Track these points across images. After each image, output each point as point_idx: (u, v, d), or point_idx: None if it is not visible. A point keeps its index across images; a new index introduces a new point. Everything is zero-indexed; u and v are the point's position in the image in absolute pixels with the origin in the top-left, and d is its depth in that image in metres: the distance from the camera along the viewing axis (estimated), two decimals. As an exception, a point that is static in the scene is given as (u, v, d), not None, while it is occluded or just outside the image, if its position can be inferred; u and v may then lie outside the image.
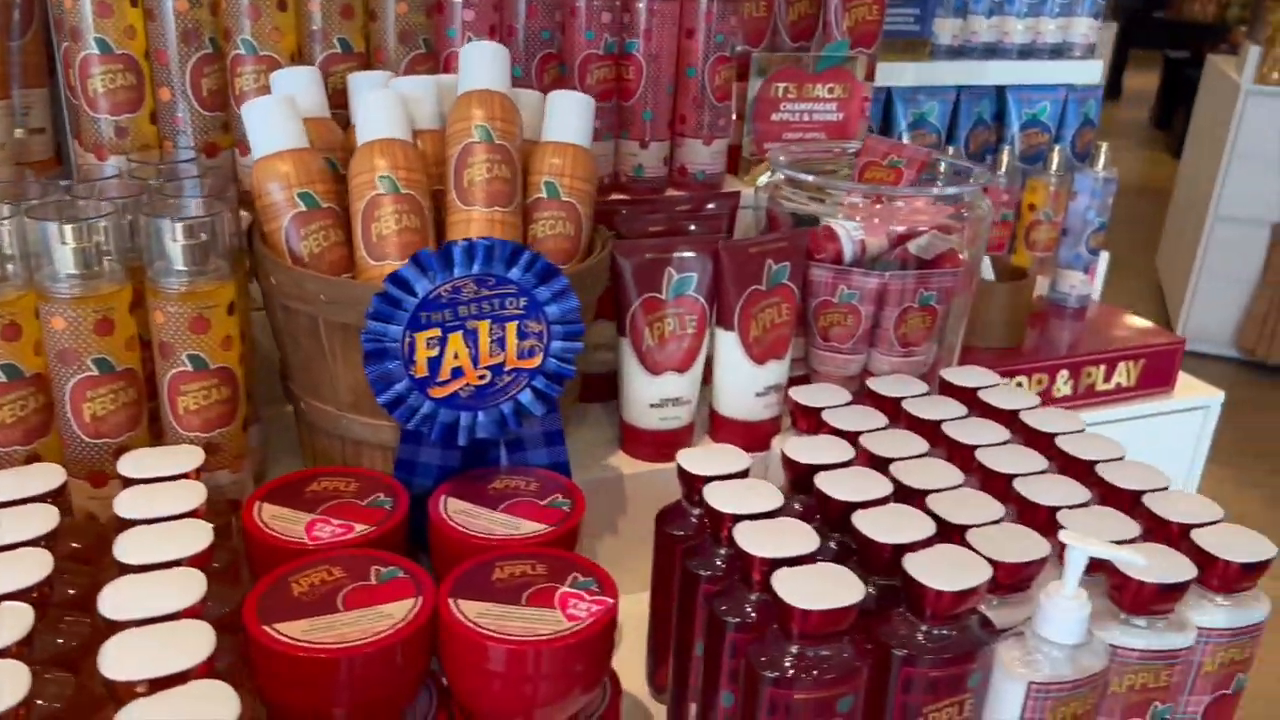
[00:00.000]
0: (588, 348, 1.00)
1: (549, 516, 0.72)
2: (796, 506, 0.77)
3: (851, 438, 0.83)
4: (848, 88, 1.12)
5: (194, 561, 0.60)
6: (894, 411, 0.89)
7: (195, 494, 0.66)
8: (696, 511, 0.74)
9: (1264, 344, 3.48)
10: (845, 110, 1.13)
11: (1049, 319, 1.49)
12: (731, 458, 0.76)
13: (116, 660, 0.51)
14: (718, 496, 0.70)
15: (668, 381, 0.90)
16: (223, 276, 0.72)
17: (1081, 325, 1.49)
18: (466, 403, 0.72)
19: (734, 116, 1.12)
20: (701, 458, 0.76)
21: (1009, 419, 0.88)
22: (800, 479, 0.77)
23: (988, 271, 1.32)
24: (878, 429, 0.84)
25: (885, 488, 0.73)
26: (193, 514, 0.64)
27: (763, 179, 1.04)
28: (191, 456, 0.70)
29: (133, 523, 0.62)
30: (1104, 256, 1.55)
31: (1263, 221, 3.44)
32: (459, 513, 0.72)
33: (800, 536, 0.64)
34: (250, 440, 0.82)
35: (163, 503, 0.65)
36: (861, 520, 0.67)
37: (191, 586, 0.57)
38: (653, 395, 0.90)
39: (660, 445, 0.91)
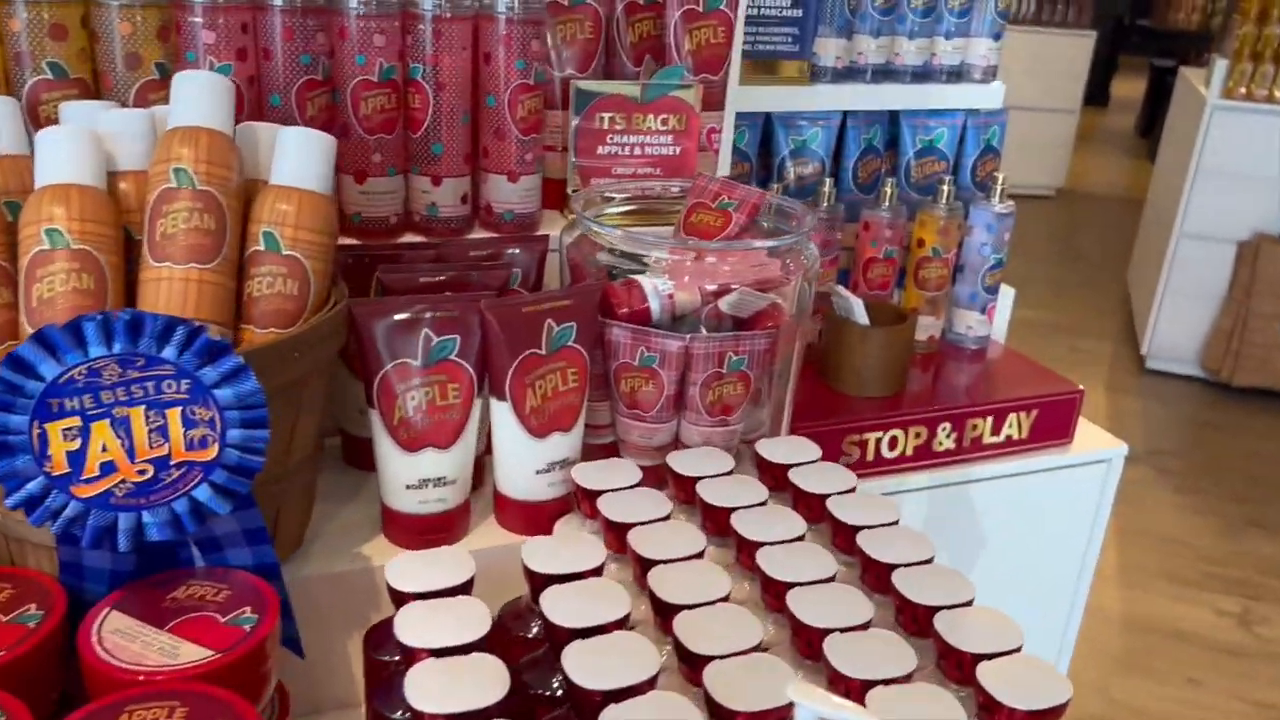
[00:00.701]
0: (352, 404, 0.90)
1: (223, 638, 0.61)
2: (528, 630, 0.67)
3: (619, 531, 0.73)
4: (683, 119, 1.01)
5: None
6: (689, 493, 0.79)
7: None
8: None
9: (1228, 364, 3.38)
10: (681, 144, 1.02)
11: (944, 362, 1.39)
12: (449, 567, 0.65)
13: None
14: (412, 621, 0.60)
15: (426, 459, 0.79)
16: None
17: (977, 369, 1.39)
18: (124, 502, 0.61)
19: (562, 149, 1.02)
20: (417, 566, 0.65)
21: (817, 506, 0.78)
22: (537, 586, 0.66)
23: (861, 316, 1.22)
24: (652, 520, 0.73)
25: (620, 607, 0.62)
26: None
27: (564, 225, 0.93)
28: None
29: None
30: (1007, 294, 1.45)
31: (1229, 239, 3.35)
32: (114, 633, 0.61)
33: (489, 677, 0.54)
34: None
35: None
36: (570, 660, 0.57)
37: None
38: (409, 475, 0.79)
39: (421, 531, 0.81)
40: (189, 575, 0.68)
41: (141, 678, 0.58)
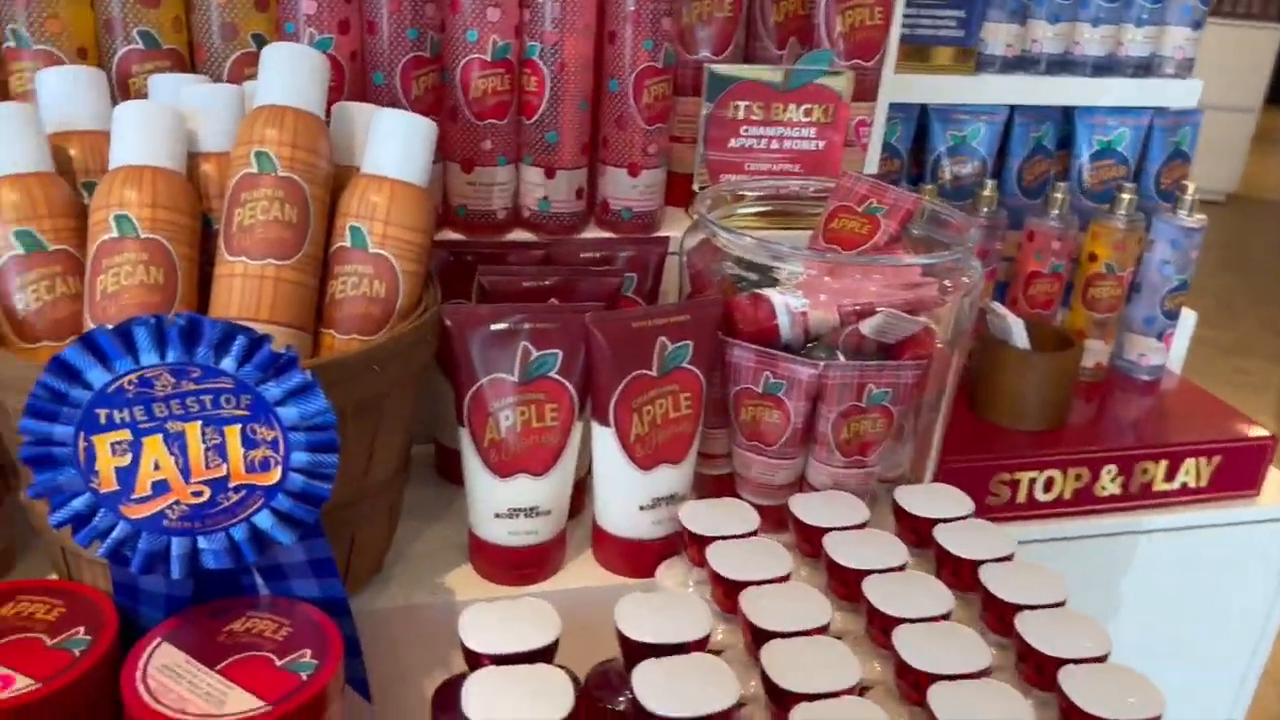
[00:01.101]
0: (447, 412, 0.83)
1: (277, 686, 0.55)
2: (616, 704, 0.58)
3: (731, 590, 0.63)
4: (829, 110, 0.90)
5: None
6: (816, 545, 0.68)
7: None
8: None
9: None
10: (826, 137, 0.91)
11: (1111, 394, 1.24)
12: (531, 624, 0.57)
13: None
14: (483, 692, 0.51)
15: (518, 486, 0.71)
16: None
17: (1149, 404, 1.23)
18: (178, 525, 0.55)
19: (691, 141, 0.92)
20: (494, 620, 0.57)
21: (968, 575, 0.66)
22: (632, 654, 0.57)
23: (1021, 338, 1.08)
24: (770, 579, 0.63)
25: (727, 694, 0.52)
26: None
27: (687, 226, 0.83)
28: None
29: None
30: (1187, 318, 1.28)
31: None
32: (161, 669, 0.55)
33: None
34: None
35: None
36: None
37: None
38: (499, 503, 0.71)
39: (511, 565, 0.73)
40: (250, 606, 0.61)
41: (181, 730, 0.52)
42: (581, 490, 0.80)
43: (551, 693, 0.52)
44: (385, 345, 0.61)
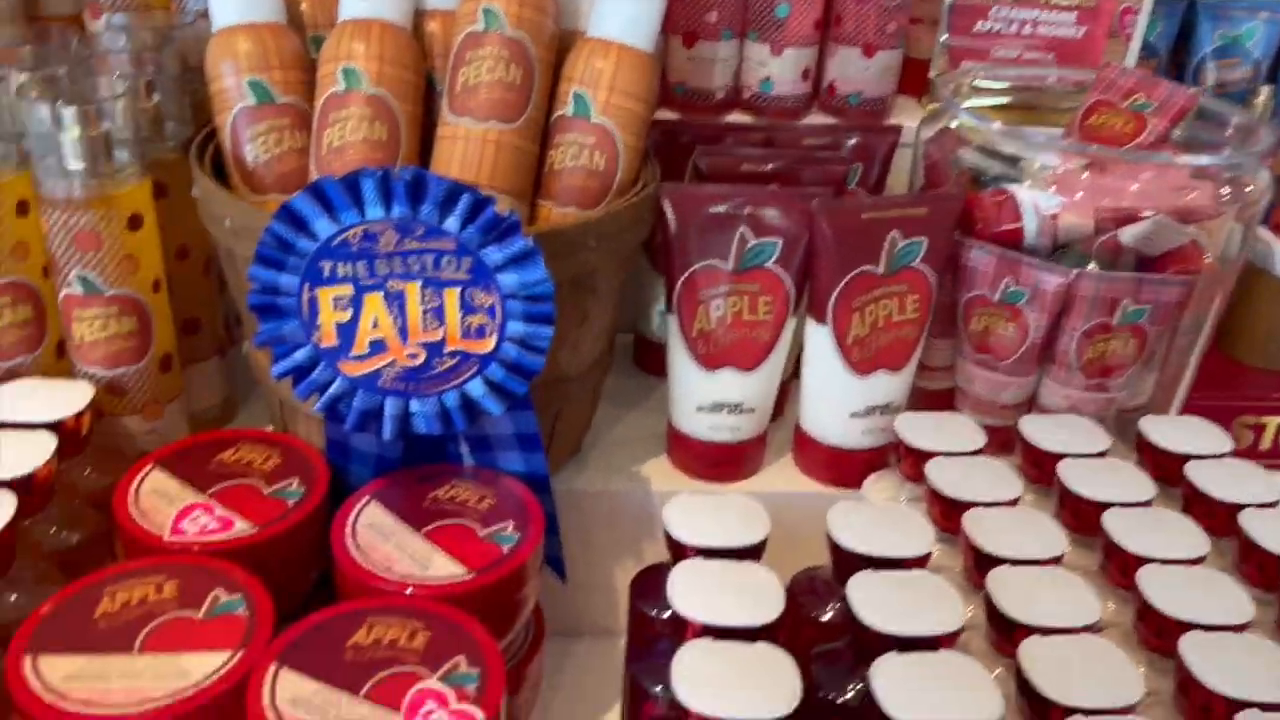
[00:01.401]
0: (651, 302, 0.80)
1: (480, 556, 0.54)
2: (824, 612, 0.55)
3: (951, 510, 0.58)
4: (1095, -9, 0.80)
5: None
6: (1047, 472, 0.63)
7: (40, 449, 0.54)
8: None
9: None
10: (1089, 24, 0.81)
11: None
12: (741, 520, 0.54)
13: None
14: (689, 586, 0.49)
15: (724, 380, 0.68)
16: (126, 179, 0.58)
17: None
18: (393, 386, 0.55)
19: (931, 23, 0.84)
20: (701, 513, 0.55)
21: (1224, 519, 0.59)
22: (844, 565, 0.54)
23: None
24: (997, 503, 0.58)
25: (950, 617, 0.48)
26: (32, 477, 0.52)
27: (922, 115, 0.76)
28: (74, 396, 0.58)
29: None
30: None
31: None
32: (369, 527, 0.56)
33: (776, 680, 0.43)
34: (204, 380, 0.70)
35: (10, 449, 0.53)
36: (884, 680, 0.44)
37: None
38: (703, 396, 0.68)
39: (709, 461, 0.70)
40: (454, 474, 0.61)
41: (389, 587, 0.52)
42: (785, 391, 0.76)
43: (760, 592, 0.49)
44: (604, 220, 0.59)
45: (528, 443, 0.60)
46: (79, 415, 0.58)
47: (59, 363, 0.63)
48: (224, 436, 0.62)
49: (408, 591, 0.52)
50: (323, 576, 0.60)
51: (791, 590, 0.57)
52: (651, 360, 0.83)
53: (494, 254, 0.52)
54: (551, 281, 0.53)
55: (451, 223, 0.51)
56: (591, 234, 0.58)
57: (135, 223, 0.59)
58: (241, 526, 0.55)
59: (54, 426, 0.56)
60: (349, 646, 0.48)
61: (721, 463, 0.70)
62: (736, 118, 0.82)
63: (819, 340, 0.68)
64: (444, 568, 0.54)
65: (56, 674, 0.44)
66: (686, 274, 0.66)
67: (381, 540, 0.55)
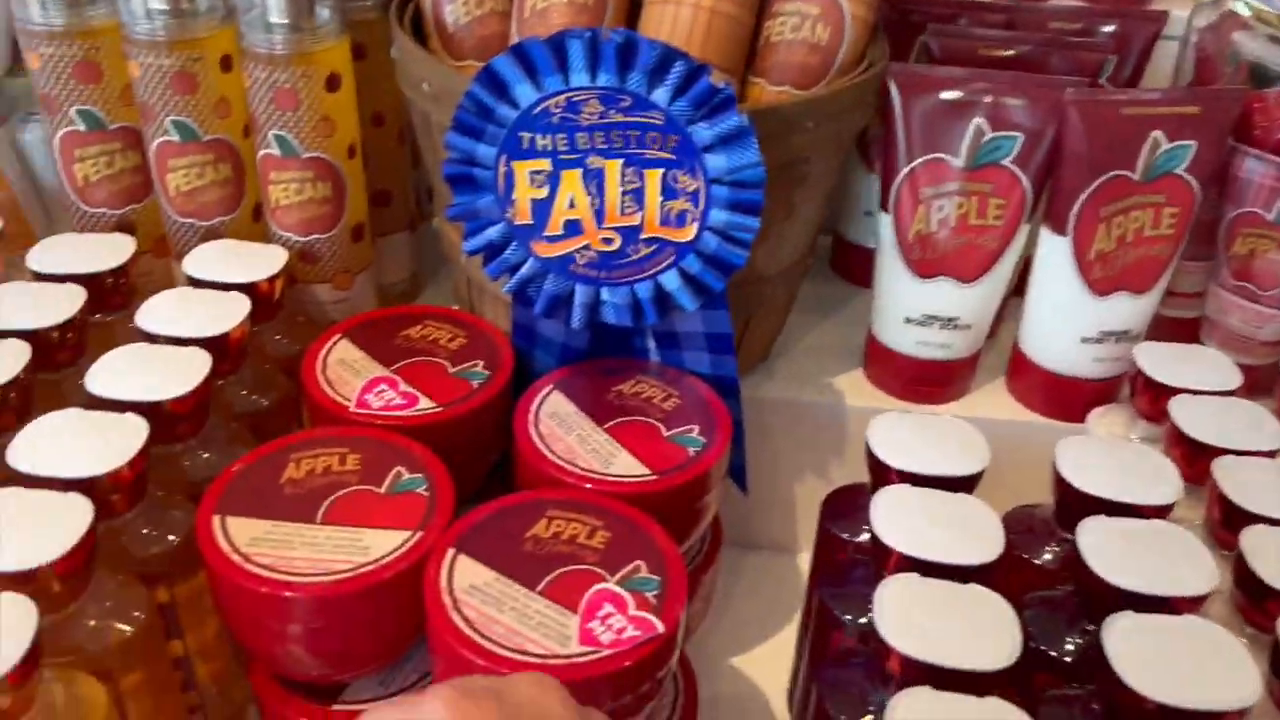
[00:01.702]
0: (855, 201, 0.74)
1: (664, 457, 0.52)
2: (1040, 555, 0.50)
3: (1196, 455, 0.52)
4: None
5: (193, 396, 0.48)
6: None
7: (235, 311, 0.54)
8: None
9: None
10: None
11: None
12: (954, 446, 0.49)
13: None
14: (897, 513, 0.45)
15: (940, 290, 0.62)
16: (325, 37, 0.56)
17: None
18: (584, 271, 0.52)
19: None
20: (910, 435, 0.50)
21: None
22: (1072, 506, 0.48)
23: None
24: (1253, 452, 0.51)
25: (1197, 578, 0.42)
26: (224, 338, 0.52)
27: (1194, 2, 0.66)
28: (269, 260, 0.58)
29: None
30: None
31: None
32: (551, 417, 0.54)
33: (993, 628, 0.38)
34: (393, 254, 0.69)
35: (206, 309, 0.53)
36: (1117, 642, 0.39)
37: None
38: (913, 307, 0.63)
39: (912, 379, 0.65)
40: (639, 370, 0.58)
41: (570, 480, 0.50)
42: (1003, 307, 0.69)
43: (976, 528, 0.45)
44: (824, 100, 0.53)
45: (719, 343, 0.57)
46: (273, 279, 0.58)
47: (255, 225, 0.63)
48: (411, 312, 0.61)
49: (588, 486, 0.49)
50: (496, 463, 0.59)
51: (1006, 532, 0.52)
52: (852, 265, 0.77)
53: (703, 131, 0.48)
54: (763, 166, 0.48)
55: (661, 94, 0.47)
56: (810, 115, 0.52)
57: (333, 83, 0.57)
58: (425, 404, 0.54)
59: (248, 289, 0.56)
60: (528, 538, 0.46)
61: (926, 382, 0.65)
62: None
63: (1055, 253, 0.60)
64: (627, 466, 0.51)
65: (243, 536, 0.45)
66: (908, 168, 0.59)
67: (564, 431, 0.53)
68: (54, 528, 0.40)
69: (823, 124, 0.53)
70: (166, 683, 0.48)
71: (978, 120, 0.58)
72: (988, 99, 0.57)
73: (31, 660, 0.36)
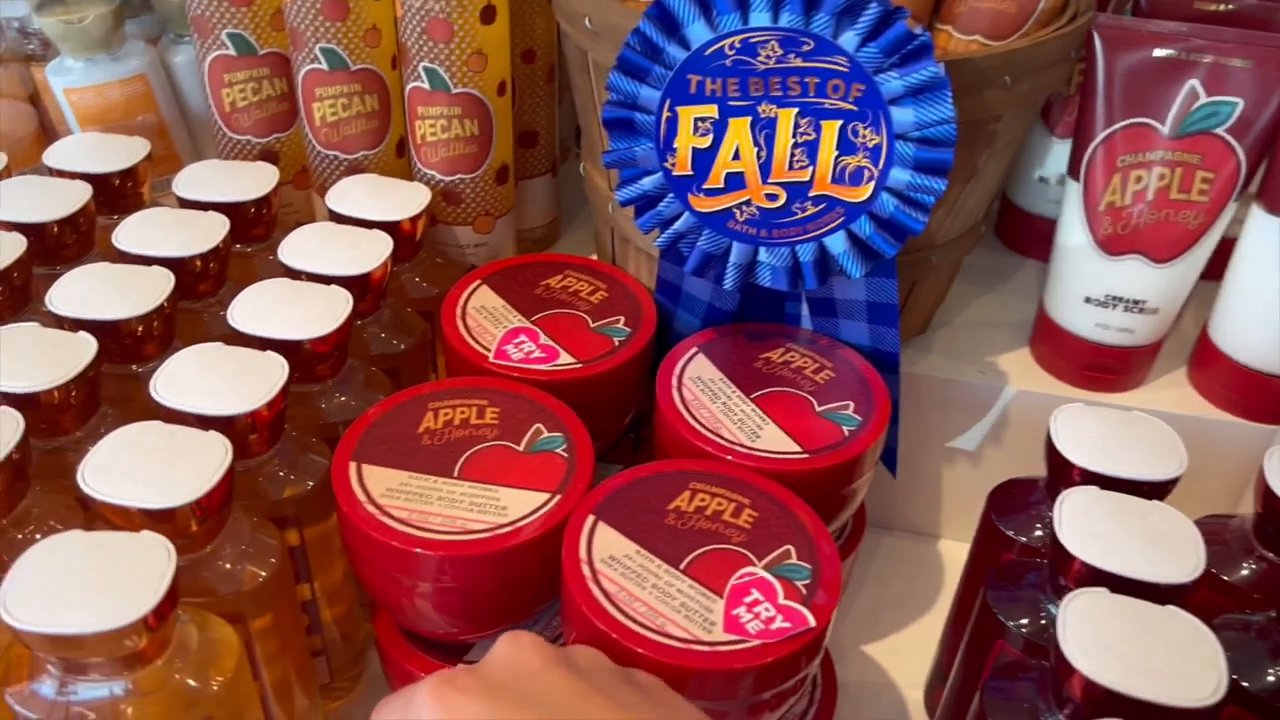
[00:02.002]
0: (1031, 164, 0.68)
1: (815, 433, 0.48)
2: (1236, 573, 0.45)
3: None
4: None
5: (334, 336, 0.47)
6: None
7: (377, 249, 0.52)
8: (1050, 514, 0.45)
9: None
10: None
11: None
12: (1147, 445, 0.44)
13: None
14: (1072, 521, 0.41)
15: (1128, 270, 0.56)
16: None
17: None
18: (742, 229, 0.48)
19: None
20: (1096, 430, 0.45)
21: None
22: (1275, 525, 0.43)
23: None
24: None
25: None
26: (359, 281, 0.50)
27: None
28: (412, 198, 0.56)
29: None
30: None
31: None
32: (695, 382, 0.51)
33: (1189, 656, 0.34)
34: (534, 198, 0.66)
35: (347, 246, 0.52)
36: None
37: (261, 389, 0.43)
38: (1096, 286, 0.57)
39: (1086, 364, 0.60)
40: (790, 336, 0.55)
41: (714, 451, 0.47)
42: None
43: (1174, 542, 0.40)
44: (1024, 53, 0.48)
45: (882, 314, 0.53)
46: (415, 219, 0.56)
47: (398, 161, 0.62)
48: (552, 260, 0.59)
49: (729, 459, 0.47)
50: (629, 425, 0.57)
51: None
52: (1022, 234, 0.71)
53: (893, 81, 0.43)
54: (955, 123, 0.44)
55: (849, 38, 0.43)
56: (1008, 69, 0.47)
57: (488, 15, 0.55)
58: (565, 359, 0.52)
59: (390, 228, 0.55)
60: (670, 510, 0.43)
61: (1102, 368, 0.59)
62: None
63: (1267, 236, 0.54)
64: (776, 441, 0.48)
65: (379, 486, 0.43)
66: (1106, 132, 0.54)
67: (709, 399, 0.50)
68: (193, 466, 0.39)
69: (1020, 79, 0.48)
70: (294, 626, 0.47)
71: (1192, 82, 0.52)
72: (1207, 59, 0.51)
73: (169, 602, 0.35)
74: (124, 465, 0.39)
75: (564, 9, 0.53)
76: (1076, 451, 0.44)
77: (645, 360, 0.54)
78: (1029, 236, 0.70)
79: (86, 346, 0.44)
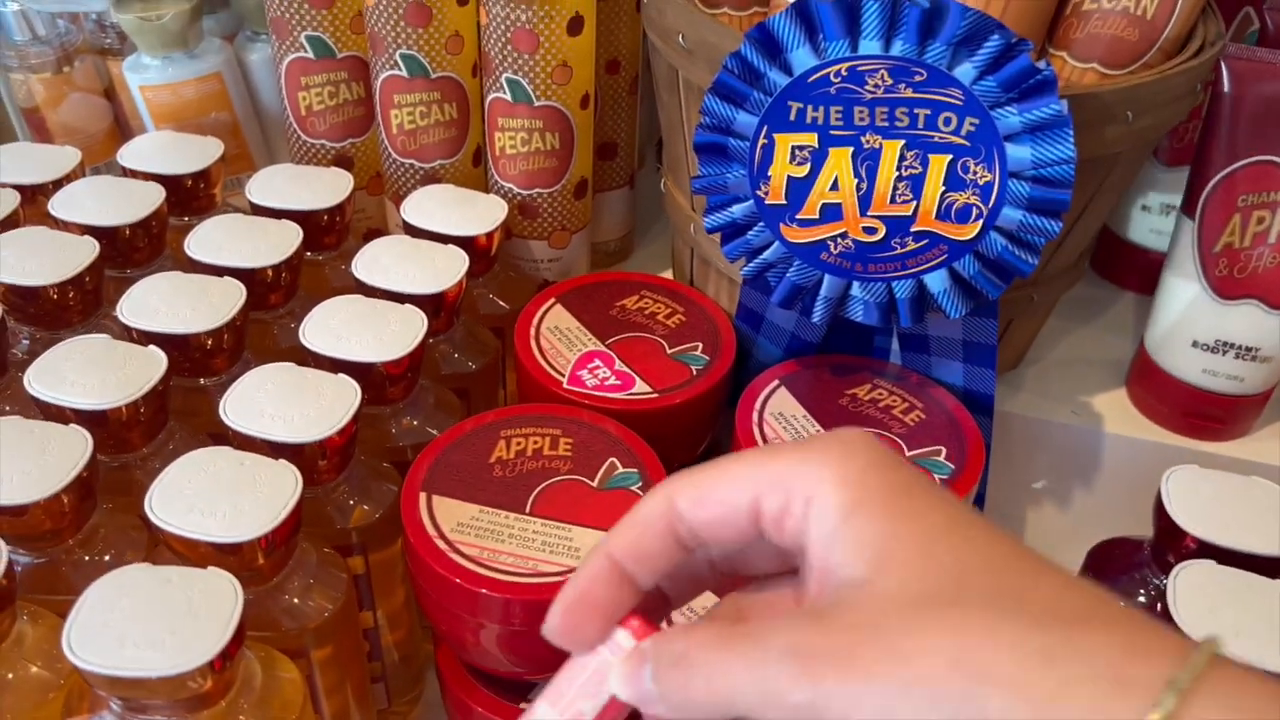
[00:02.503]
0: (1134, 192, 0.64)
1: (904, 479, 0.46)
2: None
3: None
4: None
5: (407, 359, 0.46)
6: None
7: (452, 266, 0.51)
8: (1158, 582, 0.42)
9: None
10: None
11: None
12: (1259, 511, 0.41)
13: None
14: (1189, 592, 0.38)
15: (1241, 315, 0.53)
16: (573, -22, 0.52)
17: None
18: (836, 262, 0.46)
19: None
20: (1210, 493, 0.42)
21: None
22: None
23: None
24: None
25: None
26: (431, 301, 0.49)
27: None
28: (488, 212, 0.55)
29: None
30: None
31: None
32: (777, 418, 0.49)
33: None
34: (610, 211, 0.64)
35: (422, 262, 0.51)
36: None
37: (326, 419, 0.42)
38: (1205, 330, 0.54)
39: (1190, 410, 0.57)
40: (878, 372, 0.53)
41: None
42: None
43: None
44: (1151, 86, 0.45)
45: (978, 355, 0.50)
46: (491, 233, 0.54)
47: (474, 170, 0.60)
48: (628, 279, 0.57)
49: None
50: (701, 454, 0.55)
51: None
52: (1120, 264, 0.68)
53: (1010, 117, 0.41)
54: (1074, 163, 0.41)
55: (965, 70, 0.40)
56: (1131, 104, 0.44)
57: (576, 26, 0.53)
58: (641, 388, 0.50)
59: (465, 242, 0.53)
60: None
61: (1206, 416, 0.56)
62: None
63: (1397, 286, 0.51)
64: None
65: (450, 519, 0.42)
66: (1228, 170, 0.50)
67: (791, 436, 0.48)
68: (262, 497, 0.38)
69: (1143, 114, 0.45)
70: (356, 653, 0.46)
71: (1327, 119, 0.48)
72: (1346, 94, 0.48)
73: (235, 643, 0.34)
74: (191, 494, 0.38)
75: (656, 24, 0.51)
76: (1192, 519, 0.41)
77: (723, 390, 0.52)
78: (1127, 266, 0.67)
79: (157, 362, 0.43)
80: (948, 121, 0.42)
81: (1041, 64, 0.40)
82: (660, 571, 0.28)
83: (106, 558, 0.41)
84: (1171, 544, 0.42)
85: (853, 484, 0.24)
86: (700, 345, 0.53)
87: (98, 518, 0.41)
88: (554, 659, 0.43)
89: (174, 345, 0.45)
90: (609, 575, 0.28)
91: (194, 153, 0.58)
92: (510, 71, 0.53)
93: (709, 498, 0.27)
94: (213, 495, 0.38)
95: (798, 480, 0.25)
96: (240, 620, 0.34)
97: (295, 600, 0.41)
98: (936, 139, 0.42)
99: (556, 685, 0.29)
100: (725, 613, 0.30)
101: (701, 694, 0.24)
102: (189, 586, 0.35)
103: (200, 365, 0.47)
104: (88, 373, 0.43)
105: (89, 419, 0.41)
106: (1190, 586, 0.38)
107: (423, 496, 0.43)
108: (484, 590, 0.40)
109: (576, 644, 0.28)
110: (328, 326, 0.47)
